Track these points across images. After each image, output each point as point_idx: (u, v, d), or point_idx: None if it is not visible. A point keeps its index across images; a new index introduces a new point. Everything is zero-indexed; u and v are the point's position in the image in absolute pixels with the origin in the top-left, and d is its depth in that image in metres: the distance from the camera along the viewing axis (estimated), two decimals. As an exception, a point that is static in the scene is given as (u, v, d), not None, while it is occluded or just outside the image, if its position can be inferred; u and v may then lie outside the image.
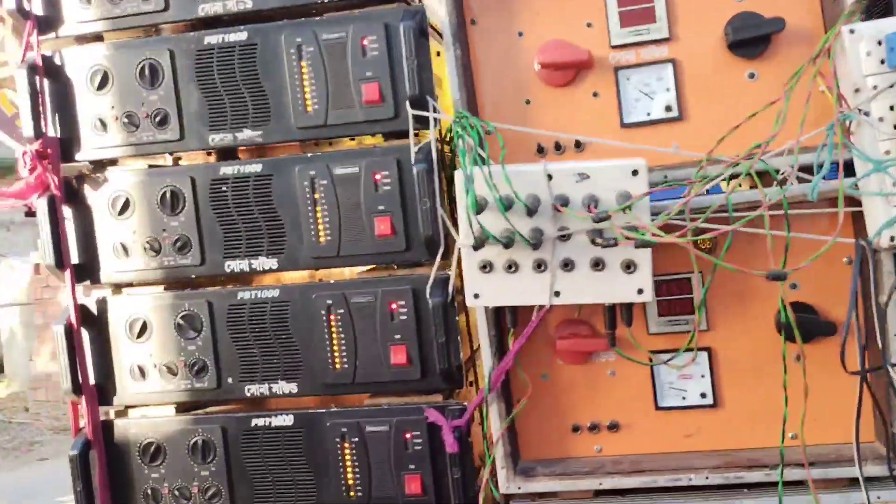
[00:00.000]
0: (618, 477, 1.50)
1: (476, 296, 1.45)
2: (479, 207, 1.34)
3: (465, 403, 1.57)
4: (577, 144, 1.53)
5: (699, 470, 1.48)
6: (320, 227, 1.58)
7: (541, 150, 1.56)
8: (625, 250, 1.38)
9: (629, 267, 1.38)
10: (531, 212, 1.35)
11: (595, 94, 1.55)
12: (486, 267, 1.42)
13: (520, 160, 1.50)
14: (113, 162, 1.71)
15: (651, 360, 1.53)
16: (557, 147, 1.55)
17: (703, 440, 1.56)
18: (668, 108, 1.53)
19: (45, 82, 1.65)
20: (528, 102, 1.58)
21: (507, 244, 1.35)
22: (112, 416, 1.73)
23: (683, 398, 1.56)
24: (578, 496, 1.54)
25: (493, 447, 1.52)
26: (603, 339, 1.53)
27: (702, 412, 1.55)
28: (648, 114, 1.54)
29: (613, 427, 1.58)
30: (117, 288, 1.72)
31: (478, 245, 1.35)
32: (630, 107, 1.54)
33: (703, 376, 1.55)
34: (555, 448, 1.60)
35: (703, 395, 1.55)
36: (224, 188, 1.62)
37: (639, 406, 1.57)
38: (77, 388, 1.64)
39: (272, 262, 1.62)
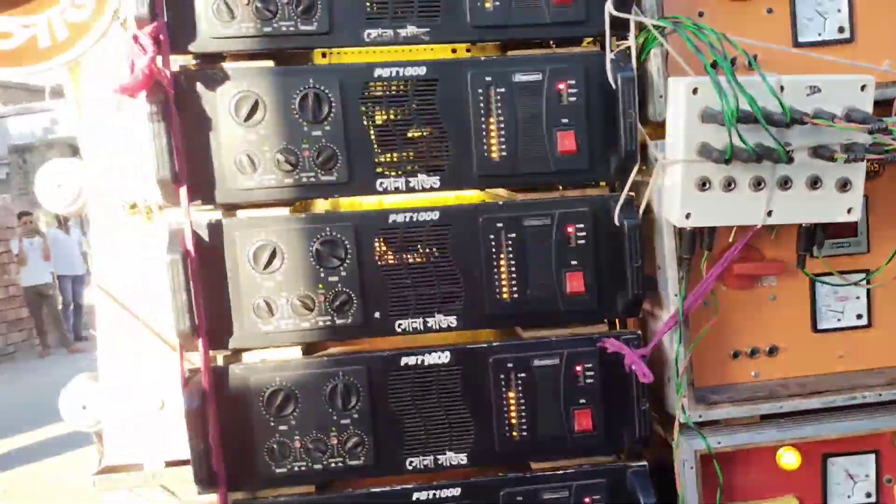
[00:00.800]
0: (798, 399, 1.48)
1: (687, 216, 1.35)
2: (729, 119, 1.24)
3: (638, 332, 1.47)
4: (750, 64, 1.47)
5: (872, 388, 1.50)
6: (492, 141, 1.40)
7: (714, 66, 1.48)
8: (841, 168, 1.34)
9: (845, 185, 1.36)
10: (776, 123, 1.27)
11: (769, 10, 1.50)
12: (705, 184, 1.33)
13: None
14: (238, 57, 1.40)
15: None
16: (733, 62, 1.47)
17: (855, 360, 1.58)
18: (841, 30, 1.51)
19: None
20: (701, 15, 1.49)
21: (758, 158, 1.26)
22: (219, 361, 1.44)
23: (839, 319, 1.57)
24: (746, 422, 1.51)
25: (682, 375, 1.44)
26: (778, 262, 1.50)
27: (856, 333, 1.57)
28: (820, 34, 1.51)
29: (773, 351, 1.56)
30: (230, 209, 1.42)
31: (728, 159, 1.26)
32: (803, 25, 1.51)
33: (858, 298, 1.57)
34: (716, 375, 1.55)
35: (859, 317, 1.57)
36: (380, 93, 1.38)
37: (797, 329, 1.56)
38: (195, 329, 1.35)
39: (433, 180, 1.41)
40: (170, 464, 2.68)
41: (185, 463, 2.57)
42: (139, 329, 2.46)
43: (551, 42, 1.44)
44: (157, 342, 2.49)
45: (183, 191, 1.34)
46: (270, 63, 1.39)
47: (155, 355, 2.51)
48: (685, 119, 1.31)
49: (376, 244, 1.41)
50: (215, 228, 1.38)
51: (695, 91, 1.30)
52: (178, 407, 2.49)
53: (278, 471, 1.42)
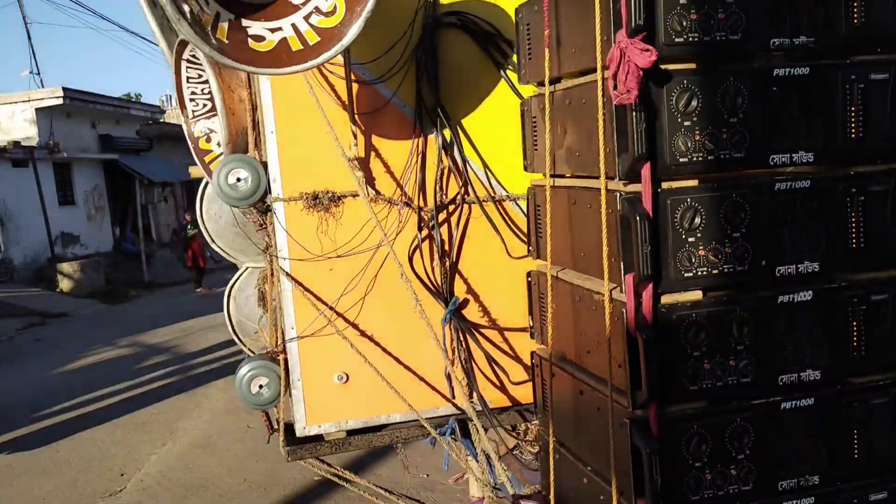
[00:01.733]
0: None
1: None
2: None
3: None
4: None
5: None
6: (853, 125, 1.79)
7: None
8: None
9: None
10: None
11: None
12: None
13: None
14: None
15: None
16: None
17: None
18: None
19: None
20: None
21: None
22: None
23: None
24: None
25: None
26: None
27: None
28: None
29: None
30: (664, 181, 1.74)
31: None
32: None
33: None
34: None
35: None
36: (777, 89, 1.74)
37: None
38: (651, 276, 1.67)
39: (808, 156, 1.79)
40: (350, 433, 2.95)
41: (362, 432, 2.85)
42: (323, 313, 2.73)
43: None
44: (341, 324, 2.76)
45: (647, 167, 1.66)
46: (693, 65, 1.72)
47: (337, 337, 2.78)
48: None
49: (766, 207, 1.78)
50: (655, 197, 1.71)
51: None
52: (361, 381, 2.77)
53: (691, 388, 1.77)
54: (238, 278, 4.30)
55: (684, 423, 1.74)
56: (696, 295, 1.76)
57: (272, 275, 3.24)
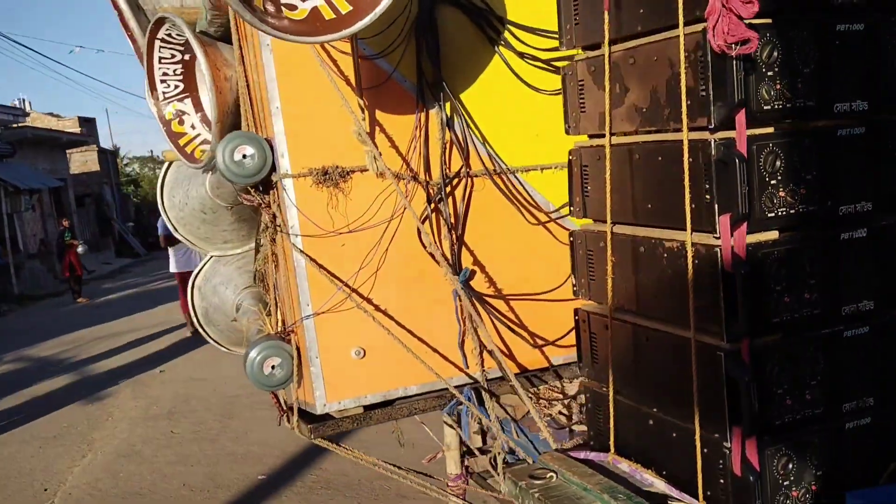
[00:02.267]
0: None
1: None
2: None
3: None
4: None
5: None
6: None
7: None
8: None
9: None
10: None
11: None
12: None
13: None
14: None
15: None
16: None
17: None
18: None
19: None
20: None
21: None
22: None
23: None
24: None
25: None
26: None
27: None
28: None
29: None
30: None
31: None
32: None
33: None
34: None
35: None
36: None
37: None
38: (745, 216, 1.78)
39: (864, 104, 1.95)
40: (367, 408, 2.96)
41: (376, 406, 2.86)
42: (342, 288, 2.74)
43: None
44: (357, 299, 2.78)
45: (741, 113, 1.77)
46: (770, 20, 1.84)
47: (352, 313, 2.78)
48: None
49: (830, 151, 1.93)
50: (729, 144, 1.82)
51: None
52: (378, 355, 2.78)
53: (774, 320, 1.89)
54: (202, 268, 4.17)
55: (767, 353, 1.87)
56: (773, 234, 1.89)
57: (273, 255, 3.17)
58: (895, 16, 1.92)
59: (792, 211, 1.87)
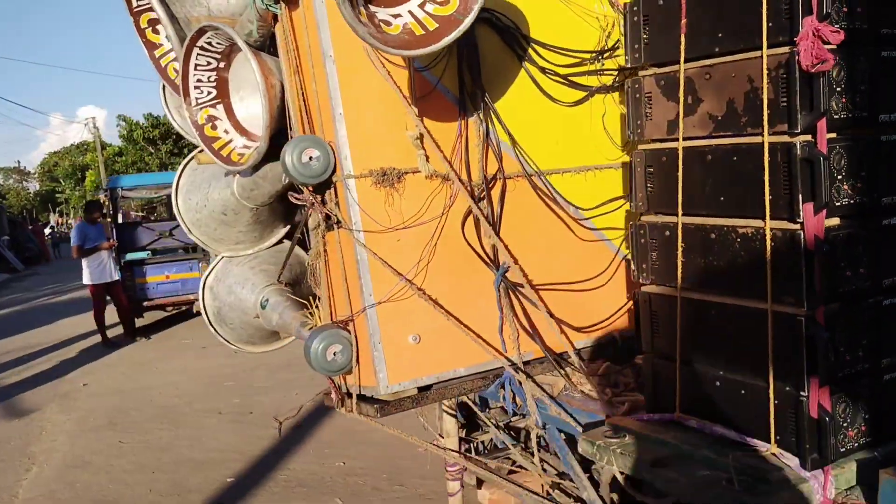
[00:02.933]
0: None
1: None
2: None
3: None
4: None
5: None
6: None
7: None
8: None
9: None
10: None
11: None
12: None
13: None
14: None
15: None
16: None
17: None
18: None
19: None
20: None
21: None
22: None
23: None
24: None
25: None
26: None
27: None
28: None
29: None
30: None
31: None
32: None
33: None
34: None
35: None
36: None
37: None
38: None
39: (896, 117, 2.37)
40: (421, 389, 3.20)
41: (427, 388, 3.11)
42: (404, 279, 2.99)
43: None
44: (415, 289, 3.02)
45: (823, 120, 2.14)
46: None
47: (409, 301, 3.02)
48: None
49: (876, 153, 2.33)
50: (811, 146, 2.19)
51: None
52: (432, 340, 3.03)
53: (839, 291, 2.27)
54: (214, 268, 4.24)
55: (833, 318, 2.25)
56: (836, 220, 2.28)
57: (325, 251, 3.33)
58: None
59: (851, 201, 2.26)
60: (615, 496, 3.17)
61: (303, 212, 3.59)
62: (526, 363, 3.34)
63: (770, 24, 2.19)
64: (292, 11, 3.23)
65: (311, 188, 3.22)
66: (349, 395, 3.29)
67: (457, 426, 4.30)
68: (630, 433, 2.66)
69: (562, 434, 3.30)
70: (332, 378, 3.31)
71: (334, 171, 3.13)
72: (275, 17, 3.33)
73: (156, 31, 3.94)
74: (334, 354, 3.16)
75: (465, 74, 3.29)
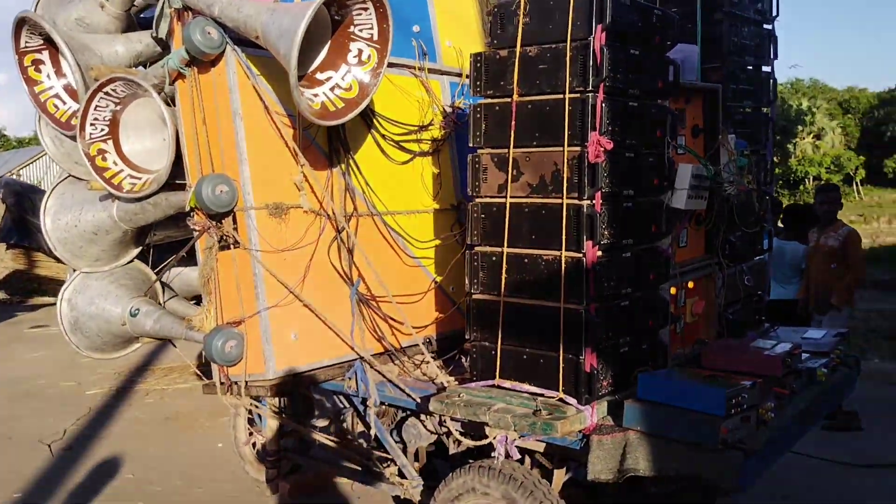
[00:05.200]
0: None
1: None
2: None
3: None
4: None
5: None
6: None
7: None
8: None
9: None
10: None
11: None
12: None
13: None
14: None
15: None
16: None
17: None
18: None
19: None
20: None
21: None
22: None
23: None
24: None
25: None
26: None
27: None
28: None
29: None
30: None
31: None
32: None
33: None
34: None
35: None
36: None
37: None
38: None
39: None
40: (296, 375, 4.09)
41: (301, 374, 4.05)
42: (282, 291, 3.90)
43: None
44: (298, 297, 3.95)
45: (599, 193, 3.48)
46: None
47: (291, 306, 3.95)
48: None
49: (618, 213, 3.75)
50: (591, 206, 3.53)
51: None
52: (305, 337, 3.99)
53: (605, 294, 3.63)
54: (72, 282, 4.66)
55: (598, 311, 3.60)
56: (600, 252, 3.63)
57: (215, 265, 4.04)
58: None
59: (608, 241, 3.64)
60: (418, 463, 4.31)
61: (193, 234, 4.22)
62: (374, 356, 4.33)
63: (570, 132, 3.51)
64: (201, 75, 3.95)
65: (207, 215, 3.94)
66: (235, 383, 4.01)
67: (276, 423, 5.07)
68: (466, 394, 3.79)
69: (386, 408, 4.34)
70: (223, 368, 4.00)
71: (236, 203, 3.90)
72: (179, 75, 4.02)
73: (38, 70, 4.35)
74: (230, 348, 3.88)
75: (334, 136, 4.25)
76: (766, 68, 5.07)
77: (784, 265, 7.49)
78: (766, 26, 5.09)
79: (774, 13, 5.14)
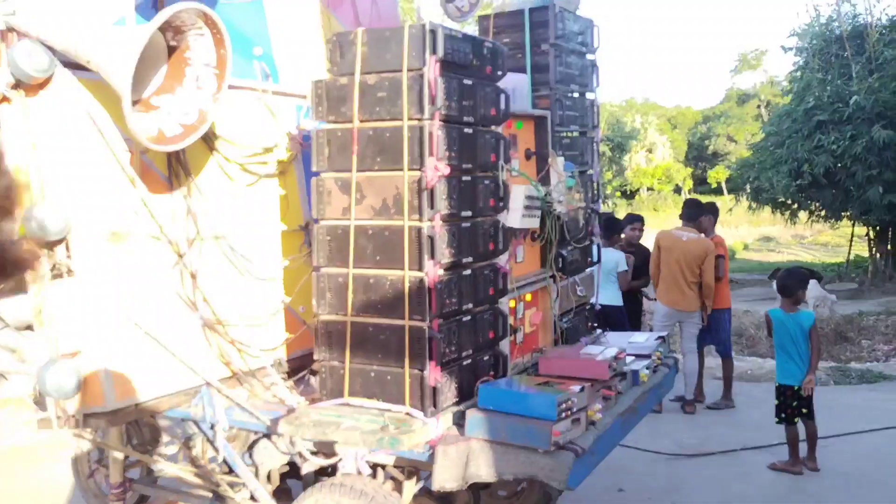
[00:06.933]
0: None
1: None
2: None
3: None
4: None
5: None
6: None
7: None
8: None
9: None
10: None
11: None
12: None
13: None
14: None
15: None
16: None
17: None
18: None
19: None
20: None
21: None
22: None
23: None
24: None
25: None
26: None
27: None
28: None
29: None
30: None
31: None
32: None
33: None
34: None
35: None
36: None
37: None
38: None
39: (467, 213, 4.00)
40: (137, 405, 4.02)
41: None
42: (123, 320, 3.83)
43: None
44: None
45: (438, 215, 3.63)
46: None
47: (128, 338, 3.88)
48: None
49: (458, 235, 3.93)
50: (431, 228, 3.68)
51: None
52: (146, 369, 3.94)
53: (444, 311, 3.78)
54: None
55: (440, 328, 3.75)
56: (442, 271, 3.79)
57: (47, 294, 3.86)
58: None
59: (449, 260, 3.81)
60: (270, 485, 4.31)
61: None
62: (223, 380, 4.27)
63: (409, 157, 3.65)
64: (29, 97, 3.78)
65: (41, 244, 3.76)
66: (72, 416, 3.83)
67: (122, 452, 4.89)
68: (316, 413, 3.83)
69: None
70: (58, 402, 3.81)
71: (69, 230, 3.75)
72: (4, 98, 3.82)
73: None
74: (66, 380, 3.71)
75: (174, 160, 4.18)
76: (590, 95, 5.45)
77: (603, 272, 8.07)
78: (588, 57, 5.47)
79: (596, 45, 5.55)
